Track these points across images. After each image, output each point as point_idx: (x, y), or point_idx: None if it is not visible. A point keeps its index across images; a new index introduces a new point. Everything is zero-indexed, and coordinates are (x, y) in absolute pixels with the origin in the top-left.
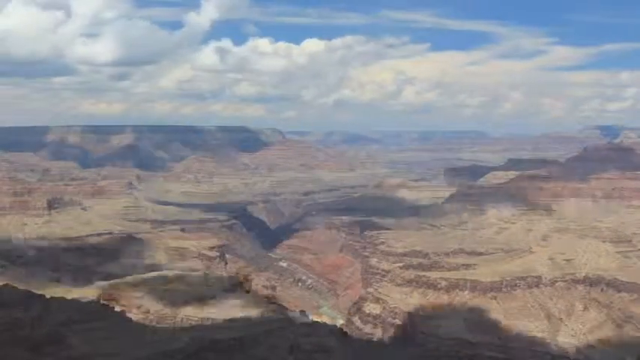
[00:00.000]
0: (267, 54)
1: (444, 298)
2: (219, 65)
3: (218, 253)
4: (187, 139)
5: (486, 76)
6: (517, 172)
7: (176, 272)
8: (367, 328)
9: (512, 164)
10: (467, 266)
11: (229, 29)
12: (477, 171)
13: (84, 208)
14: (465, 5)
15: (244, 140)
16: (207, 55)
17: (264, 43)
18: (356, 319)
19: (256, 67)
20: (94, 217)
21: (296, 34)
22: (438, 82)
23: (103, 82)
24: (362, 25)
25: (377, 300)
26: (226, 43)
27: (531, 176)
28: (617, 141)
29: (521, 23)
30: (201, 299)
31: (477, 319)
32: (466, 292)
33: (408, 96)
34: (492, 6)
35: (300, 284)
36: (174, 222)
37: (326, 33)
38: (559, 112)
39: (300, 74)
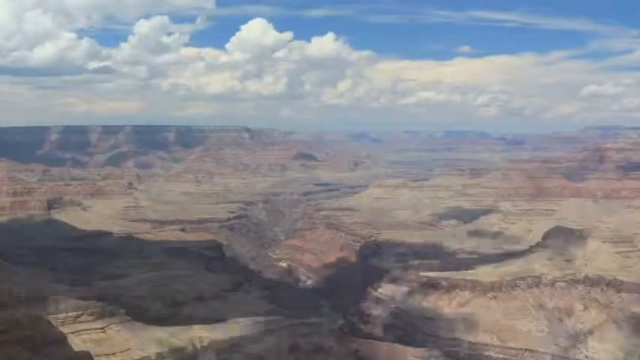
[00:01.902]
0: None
1: (444, 298)
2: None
3: (218, 253)
4: (187, 138)
5: (543, 76)
6: (517, 172)
7: (176, 272)
8: (367, 328)
9: (513, 164)
10: (467, 266)
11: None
12: (477, 171)
13: (84, 208)
14: (563, 4)
15: (244, 140)
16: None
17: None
18: (356, 319)
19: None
20: (94, 217)
21: (378, 33)
22: (475, 85)
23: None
24: (445, 23)
25: (377, 300)
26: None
27: (531, 176)
28: (617, 141)
29: (621, 22)
30: (201, 299)
31: (477, 319)
32: (466, 292)
33: (438, 98)
34: (594, 5)
35: (300, 284)
36: (174, 222)
37: (409, 31)
38: (571, 111)
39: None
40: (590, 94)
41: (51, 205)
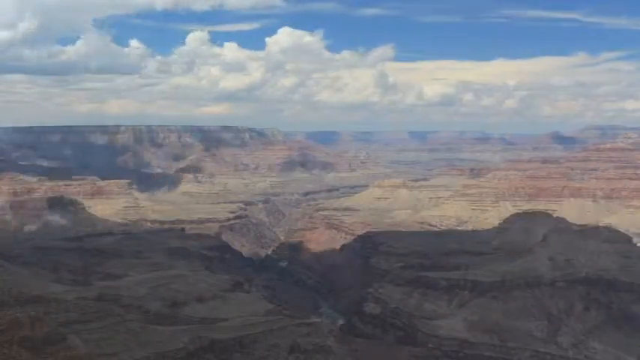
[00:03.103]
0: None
1: (444, 298)
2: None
3: (218, 253)
4: (187, 138)
5: (578, 77)
6: (517, 172)
7: (176, 272)
8: (367, 328)
9: (513, 164)
10: (467, 266)
11: None
12: (476, 171)
13: (84, 208)
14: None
15: (244, 140)
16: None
17: None
18: (356, 319)
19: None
20: (94, 217)
21: (428, 33)
22: (495, 85)
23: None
24: (501, 23)
25: (377, 300)
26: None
27: (531, 176)
28: (617, 141)
29: None
30: (201, 299)
31: (477, 319)
32: (466, 292)
33: (452, 98)
34: None
35: (300, 284)
36: (174, 222)
37: (463, 31)
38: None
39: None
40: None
41: (51, 205)
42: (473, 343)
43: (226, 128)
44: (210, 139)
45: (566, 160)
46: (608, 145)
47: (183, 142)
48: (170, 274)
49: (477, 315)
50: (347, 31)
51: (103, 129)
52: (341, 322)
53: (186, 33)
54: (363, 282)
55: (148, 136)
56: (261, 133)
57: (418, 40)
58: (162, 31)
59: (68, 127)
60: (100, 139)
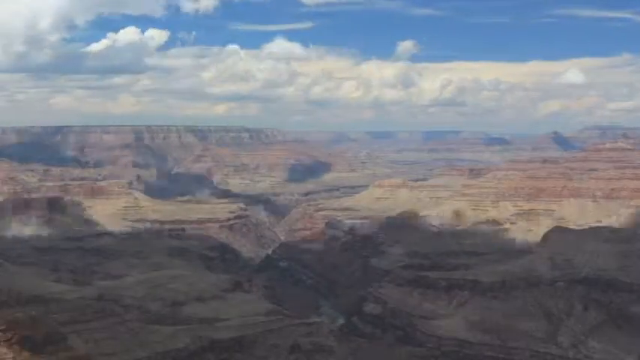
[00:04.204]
0: None
1: (443, 298)
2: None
3: (218, 253)
4: (187, 138)
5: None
6: (517, 172)
7: (176, 272)
8: (367, 328)
9: (513, 164)
10: (467, 266)
11: None
12: (476, 171)
13: (84, 208)
14: None
15: (244, 140)
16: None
17: None
18: (356, 319)
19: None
20: (94, 217)
21: (478, 34)
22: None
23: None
24: (548, 23)
25: (377, 300)
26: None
27: (531, 176)
28: (616, 141)
29: None
30: (201, 299)
31: (477, 319)
32: (466, 292)
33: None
34: None
35: (300, 284)
36: (174, 222)
37: (509, 32)
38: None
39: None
40: None
41: (51, 205)
42: (473, 343)
43: (226, 128)
44: (210, 138)
45: (566, 160)
46: (608, 145)
47: (184, 141)
48: (170, 274)
49: (476, 315)
50: (401, 31)
51: (103, 129)
52: (341, 322)
53: (233, 32)
54: (363, 282)
55: (148, 135)
56: (261, 133)
57: (459, 41)
58: (211, 30)
59: (68, 126)
60: (100, 139)
